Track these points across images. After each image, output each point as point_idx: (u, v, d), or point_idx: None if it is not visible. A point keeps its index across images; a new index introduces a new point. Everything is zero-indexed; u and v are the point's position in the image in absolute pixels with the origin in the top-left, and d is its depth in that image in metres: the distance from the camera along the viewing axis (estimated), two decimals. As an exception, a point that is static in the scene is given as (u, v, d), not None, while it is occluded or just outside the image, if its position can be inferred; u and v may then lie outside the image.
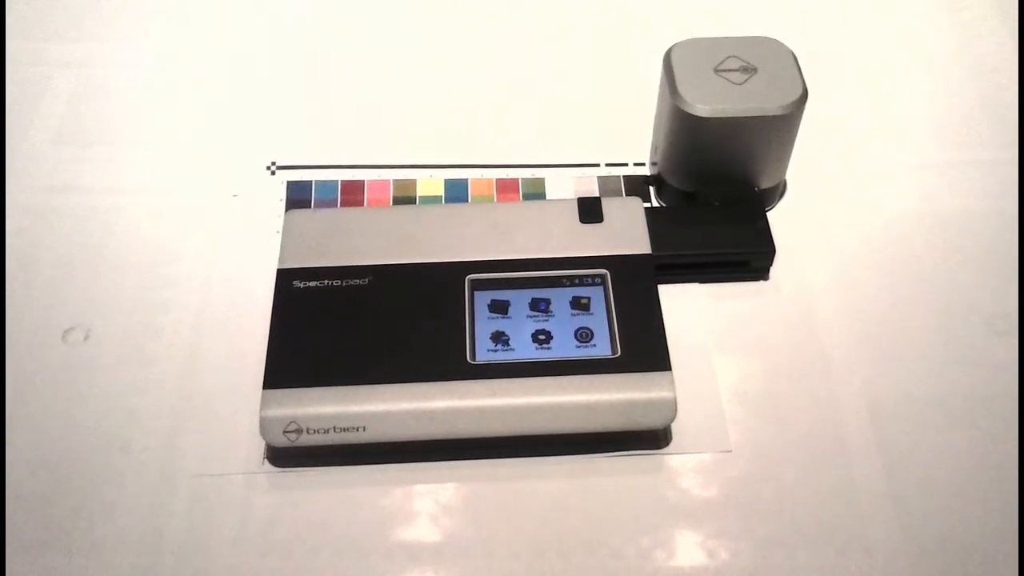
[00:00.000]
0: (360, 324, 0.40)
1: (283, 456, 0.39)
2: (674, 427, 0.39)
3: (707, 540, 0.37)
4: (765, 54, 0.44)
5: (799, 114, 0.42)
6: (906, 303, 0.44)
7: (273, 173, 0.49)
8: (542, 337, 0.39)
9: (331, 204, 0.48)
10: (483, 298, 0.41)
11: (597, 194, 0.48)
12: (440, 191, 0.48)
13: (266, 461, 0.39)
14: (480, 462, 0.39)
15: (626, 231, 0.43)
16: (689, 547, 0.37)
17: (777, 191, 0.47)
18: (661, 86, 0.44)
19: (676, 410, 0.37)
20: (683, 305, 0.43)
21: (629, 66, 0.54)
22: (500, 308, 0.40)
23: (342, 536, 0.37)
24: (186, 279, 0.44)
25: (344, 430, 0.37)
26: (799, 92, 0.42)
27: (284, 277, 0.41)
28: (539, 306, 0.40)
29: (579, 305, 0.40)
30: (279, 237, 0.44)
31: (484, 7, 0.58)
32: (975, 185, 0.48)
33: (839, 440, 0.39)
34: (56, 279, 0.44)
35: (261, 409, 0.37)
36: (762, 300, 0.44)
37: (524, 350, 0.39)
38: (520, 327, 0.40)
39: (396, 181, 0.49)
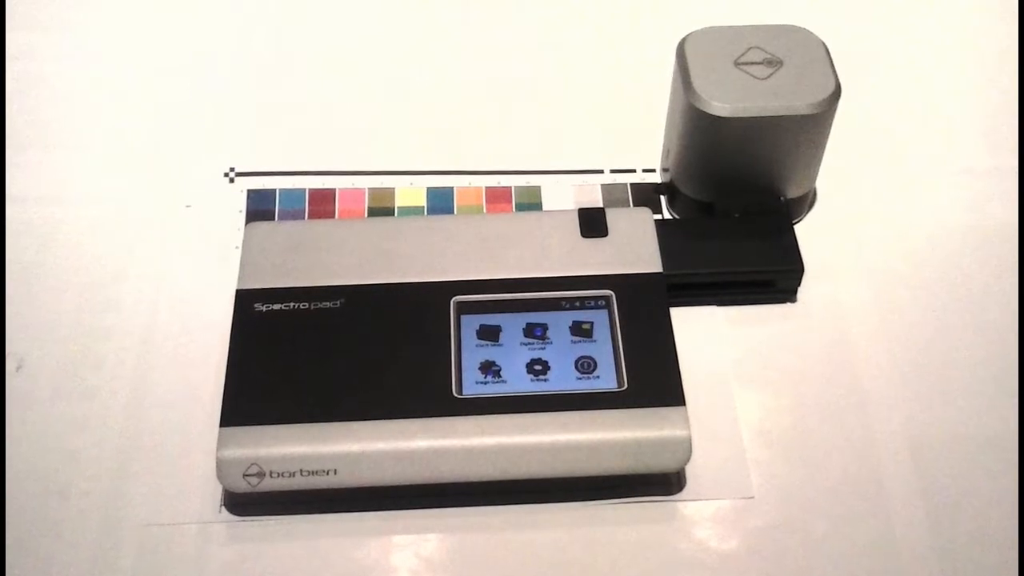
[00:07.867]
0: (331, 353, 0.40)
1: (243, 503, 0.39)
2: (688, 470, 0.40)
3: (726, 599, 0.37)
4: (792, 45, 0.44)
5: (831, 113, 0.43)
6: (952, 329, 0.44)
7: (231, 180, 0.49)
8: (538, 367, 0.40)
9: (298, 216, 0.48)
10: (471, 323, 0.41)
11: (601, 204, 0.49)
12: (422, 201, 0.49)
13: (224, 509, 0.39)
14: (468, 510, 0.39)
15: (634, 246, 0.43)
16: (706, 607, 0.37)
17: (806, 201, 0.48)
18: (674, 81, 0.45)
19: (691, 451, 0.38)
20: (699, 331, 0.44)
21: (637, 58, 0.55)
22: (490, 334, 0.41)
23: (310, 595, 0.37)
24: (132, 301, 0.45)
25: (312, 473, 0.37)
26: (831, 88, 0.43)
27: (244, 299, 0.42)
28: (535, 332, 0.41)
29: (580, 331, 0.41)
30: (238, 253, 0.44)
31: (473, -9, 0.59)
32: (1030, 194, 0.49)
33: (876, 485, 0.40)
34: (-16, 301, 0.45)
35: (218, 449, 0.38)
36: (789, 325, 0.44)
37: (518, 382, 0.39)
38: (513, 356, 0.40)
39: (372, 190, 0.49)
